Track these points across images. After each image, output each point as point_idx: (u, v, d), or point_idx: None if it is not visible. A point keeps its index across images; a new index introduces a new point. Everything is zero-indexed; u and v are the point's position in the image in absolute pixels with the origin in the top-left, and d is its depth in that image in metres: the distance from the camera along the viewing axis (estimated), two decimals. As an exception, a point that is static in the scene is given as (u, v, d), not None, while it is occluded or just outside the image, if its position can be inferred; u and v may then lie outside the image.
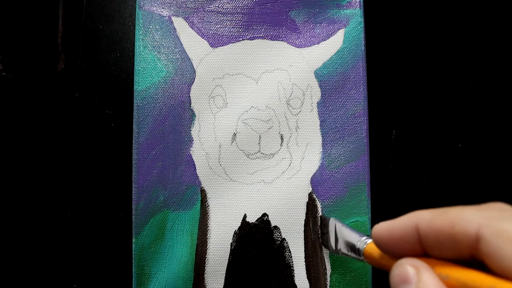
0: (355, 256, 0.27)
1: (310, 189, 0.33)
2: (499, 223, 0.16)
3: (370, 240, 0.25)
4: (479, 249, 0.17)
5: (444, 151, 0.36)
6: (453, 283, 0.18)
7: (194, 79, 0.34)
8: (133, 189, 0.33)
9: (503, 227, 0.16)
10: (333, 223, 0.30)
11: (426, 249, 0.19)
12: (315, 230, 0.33)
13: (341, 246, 0.29)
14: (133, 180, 0.33)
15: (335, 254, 0.31)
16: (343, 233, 0.29)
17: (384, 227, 0.20)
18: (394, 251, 0.20)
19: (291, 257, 0.32)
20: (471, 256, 0.18)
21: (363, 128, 0.34)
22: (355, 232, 0.28)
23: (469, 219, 0.17)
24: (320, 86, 0.34)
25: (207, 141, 0.33)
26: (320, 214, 0.33)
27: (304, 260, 0.32)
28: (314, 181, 0.33)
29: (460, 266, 0.18)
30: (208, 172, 0.33)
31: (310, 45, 0.34)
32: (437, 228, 0.18)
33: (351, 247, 0.27)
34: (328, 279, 0.32)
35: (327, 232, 0.31)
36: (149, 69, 0.34)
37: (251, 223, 0.33)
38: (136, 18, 0.34)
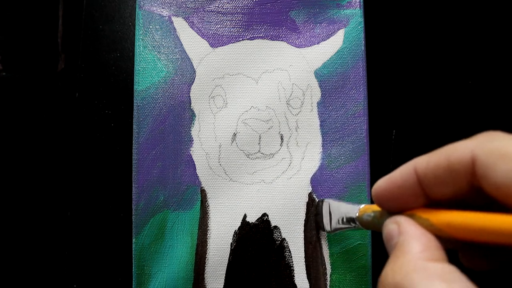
0: (350, 226, 0.28)
1: (310, 189, 0.33)
2: (490, 143, 0.17)
3: (362, 205, 0.26)
4: (476, 174, 0.17)
5: (444, 151, 0.35)
6: (436, 224, 0.19)
7: (194, 79, 0.34)
8: (133, 189, 0.33)
9: (494, 145, 0.17)
10: (327, 203, 0.31)
11: (427, 192, 0.19)
12: (315, 230, 0.33)
13: (336, 221, 0.29)
14: (133, 180, 0.33)
15: (330, 233, 0.31)
16: (337, 207, 0.29)
17: (383, 180, 0.21)
18: (396, 204, 0.21)
19: (291, 257, 0.32)
20: (471, 186, 0.18)
21: (363, 128, 0.34)
22: (349, 203, 0.29)
23: (462, 147, 0.18)
24: (320, 86, 0.34)
25: (207, 141, 0.33)
26: (317, 200, 0.33)
27: (304, 260, 0.32)
28: (314, 181, 0.33)
29: (446, 209, 0.19)
30: (208, 172, 0.33)
31: (310, 45, 0.34)
32: (434, 164, 0.19)
33: (347, 217, 0.28)
34: (328, 279, 0.32)
35: (321, 214, 0.31)
36: (149, 69, 0.34)
37: (251, 223, 0.33)
38: (136, 18, 0.34)
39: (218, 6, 0.35)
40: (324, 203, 0.31)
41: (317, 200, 0.33)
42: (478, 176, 0.17)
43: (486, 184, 0.17)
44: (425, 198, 0.20)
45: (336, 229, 0.30)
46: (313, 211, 0.33)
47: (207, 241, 0.32)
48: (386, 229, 0.20)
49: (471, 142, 0.18)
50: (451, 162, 0.18)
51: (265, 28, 0.35)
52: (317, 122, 0.34)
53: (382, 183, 0.21)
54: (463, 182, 0.18)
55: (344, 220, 0.28)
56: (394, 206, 0.21)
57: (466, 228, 0.17)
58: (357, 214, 0.26)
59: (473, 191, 0.18)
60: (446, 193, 0.19)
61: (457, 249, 0.21)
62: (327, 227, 0.30)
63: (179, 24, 0.34)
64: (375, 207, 0.24)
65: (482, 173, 0.17)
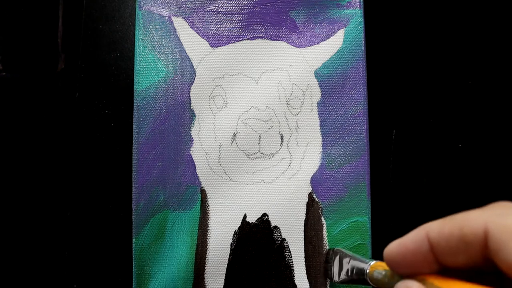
0: (359, 279, 0.27)
1: (310, 189, 0.33)
2: (504, 219, 0.17)
3: (373, 262, 0.26)
4: (488, 247, 0.17)
5: (444, 151, 0.36)
6: None
7: (194, 79, 0.34)
8: (133, 189, 0.33)
9: (508, 221, 0.17)
10: (337, 253, 0.31)
11: (439, 259, 0.19)
12: (315, 231, 0.33)
13: (345, 272, 0.29)
14: (133, 180, 0.33)
15: (339, 284, 0.31)
16: (348, 259, 0.29)
17: (395, 244, 0.20)
18: (408, 268, 0.20)
19: (291, 257, 0.32)
20: (484, 258, 0.18)
21: (363, 128, 0.34)
22: (360, 257, 0.28)
23: (475, 219, 0.18)
24: (320, 86, 0.34)
25: (207, 141, 0.33)
26: (327, 248, 0.32)
27: (304, 260, 0.32)
28: (314, 181, 0.33)
29: (459, 280, 0.18)
30: (208, 172, 0.33)
31: (310, 45, 0.34)
32: (447, 233, 0.18)
33: (357, 270, 0.27)
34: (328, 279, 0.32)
35: (331, 263, 0.31)
36: (149, 69, 0.34)
37: (251, 223, 0.33)
38: (136, 18, 0.34)
39: (218, 6, 0.35)
40: (335, 252, 0.31)
41: (327, 248, 0.32)
42: (491, 251, 0.17)
43: (498, 260, 0.17)
44: (437, 264, 0.19)
45: (343, 281, 0.29)
46: (323, 257, 0.32)
47: (207, 241, 0.32)
48: None
49: (485, 213, 0.18)
50: (464, 233, 0.18)
51: (265, 28, 0.35)
52: (317, 122, 0.34)
53: (394, 247, 0.20)
54: (477, 253, 0.18)
55: (354, 272, 0.28)
56: (406, 270, 0.21)
57: None
58: (368, 270, 0.26)
59: (487, 262, 0.18)
60: (459, 262, 0.19)
61: None
62: (335, 277, 0.30)
63: (179, 24, 0.34)
64: (386, 265, 0.24)
65: (495, 249, 0.17)
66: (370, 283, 0.26)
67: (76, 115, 0.35)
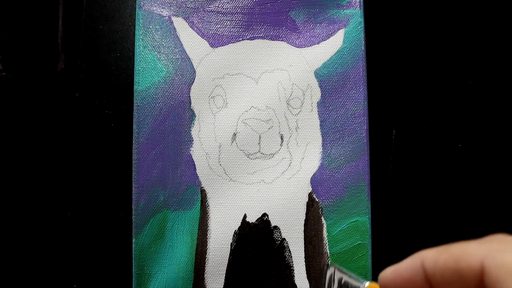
0: None
1: (310, 189, 0.33)
2: (502, 255, 0.17)
3: (368, 283, 0.26)
4: (484, 282, 0.17)
5: (444, 151, 0.36)
6: None
7: (194, 79, 0.34)
8: (133, 189, 0.33)
9: (506, 259, 0.16)
10: (332, 269, 0.30)
11: None
12: (315, 231, 0.33)
13: None
14: (133, 180, 0.33)
15: None
16: (342, 278, 0.29)
17: (390, 271, 0.20)
18: None
19: (291, 257, 0.32)
20: None
21: (363, 128, 0.34)
22: (355, 276, 0.28)
23: (472, 252, 0.17)
24: (320, 86, 0.34)
25: (207, 141, 0.33)
26: (326, 263, 0.32)
27: (304, 260, 0.32)
28: (314, 181, 0.33)
29: None
30: (208, 172, 0.33)
31: (310, 45, 0.34)
32: (442, 264, 0.18)
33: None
34: (328, 279, 0.32)
35: (324, 277, 0.31)
36: (149, 69, 0.34)
37: (251, 223, 0.33)
38: (136, 18, 0.34)
39: (218, 6, 0.35)
40: (330, 269, 0.31)
41: (325, 264, 0.32)
42: (487, 286, 0.17)
43: None
44: None
45: None
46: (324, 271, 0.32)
47: (207, 241, 0.32)
48: None
49: (482, 247, 0.17)
50: (459, 266, 0.18)
51: (265, 28, 0.35)
52: (317, 122, 0.34)
53: (389, 273, 0.20)
54: (471, 286, 0.18)
55: None
56: None
57: None
58: None
59: None
60: None
61: None
62: None
63: (179, 24, 0.34)
64: None
65: (491, 285, 0.17)
66: None
67: (76, 115, 0.35)
